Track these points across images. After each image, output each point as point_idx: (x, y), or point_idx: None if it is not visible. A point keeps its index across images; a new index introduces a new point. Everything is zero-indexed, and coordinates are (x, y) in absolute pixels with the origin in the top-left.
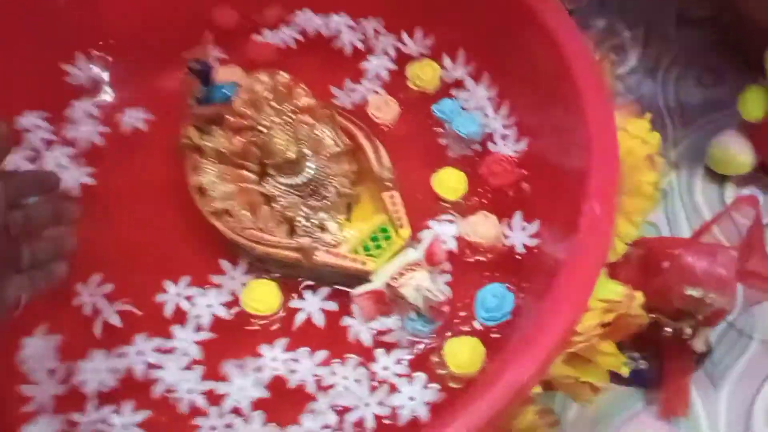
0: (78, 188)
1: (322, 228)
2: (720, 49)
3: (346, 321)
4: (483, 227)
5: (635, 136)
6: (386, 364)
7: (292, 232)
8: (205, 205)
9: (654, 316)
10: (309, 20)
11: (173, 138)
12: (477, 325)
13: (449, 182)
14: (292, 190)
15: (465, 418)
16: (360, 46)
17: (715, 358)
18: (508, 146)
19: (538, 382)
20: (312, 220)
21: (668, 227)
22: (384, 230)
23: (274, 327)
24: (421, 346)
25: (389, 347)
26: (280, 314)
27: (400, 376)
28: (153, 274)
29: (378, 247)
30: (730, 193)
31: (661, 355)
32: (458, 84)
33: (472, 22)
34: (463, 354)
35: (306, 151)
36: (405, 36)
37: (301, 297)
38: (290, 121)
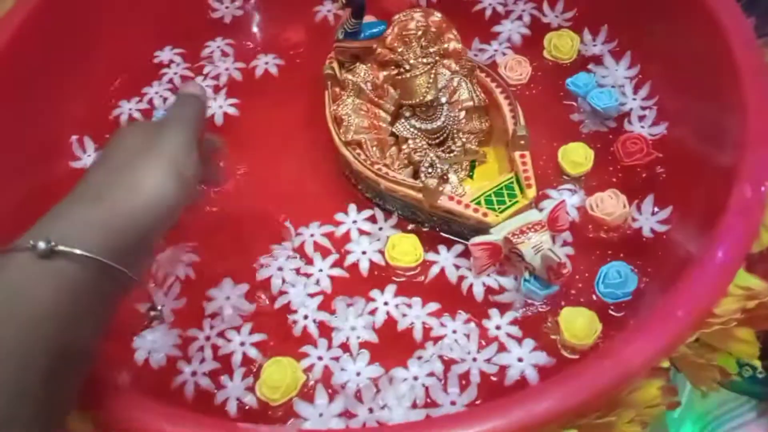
0: (222, 117)
1: (444, 179)
2: None
3: (466, 275)
4: (610, 205)
5: None
6: (499, 323)
7: (415, 176)
8: (340, 134)
9: None
10: None
11: (313, 74)
12: (594, 298)
13: (575, 157)
14: (422, 135)
15: (587, 378)
16: (500, 9)
17: None
18: (645, 128)
19: (667, 356)
20: (437, 168)
21: None
22: (509, 188)
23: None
24: (536, 310)
25: (503, 308)
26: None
27: (511, 336)
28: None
29: (501, 202)
30: None
31: None
32: (596, 59)
33: None
34: (578, 324)
35: (443, 98)
36: (545, 5)
37: (436, 251)
38: (433, 63)
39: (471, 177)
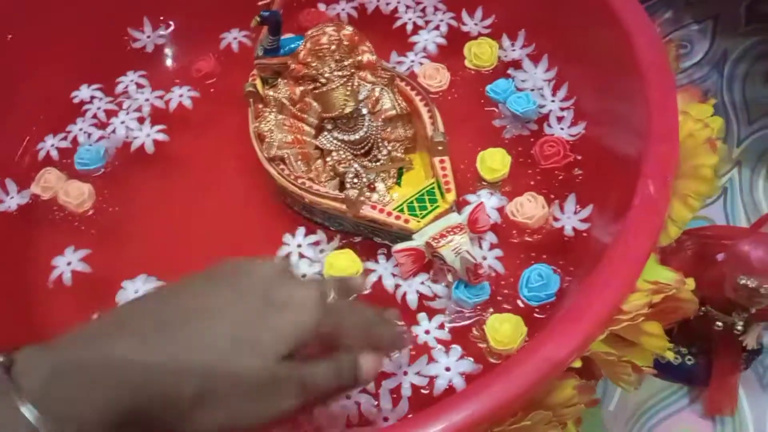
0: (152, 146)
1: (371, 188)
2: None
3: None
4: (530, 208)
5: (697, 119)
6: (428, 327)
7: (341, 187)
8: (263, 151)
9: (704, 309)
10: None
11: (230, 100)
12: (520, 303)
13: (491, 163)
14: (346, 146)
15: (499, 387)
16: (420, 23)
17: (766, 361)
18: (563, 128)
19: (577, 356)
20: (362, 178)
21: (726, 224)
22: (431, 193)
23: None
24: (465, 321)
25: (432, 312)
26: None
27: (439, 341)
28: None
29: (423, 208)
30: None
31: (710, 352)
32: (516, 64)
33: (533, 2)
34: (503, 330)
35: (363, 109)
36: (464, 14)
37: (376, 261)
38: (348, 75)
39: (399, 184)
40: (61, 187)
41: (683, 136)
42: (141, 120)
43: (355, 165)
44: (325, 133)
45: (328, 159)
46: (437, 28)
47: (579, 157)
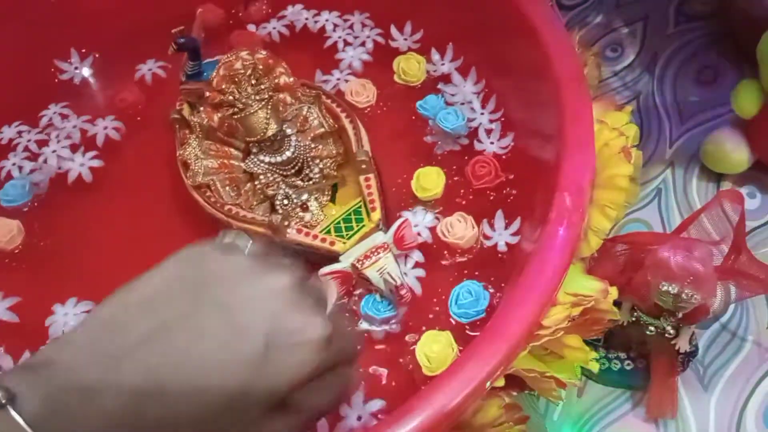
0: (89, 174)
1: (304, 208)
2: (719, 45)
3: None
4: (460, 229)
5: (612, 128)
6: None
7: (273, 210)
8: (188, 179)
9: (637, 314)
10: (297, 14)
11: (156, 130)
12: (453, 321)
13: (425, 183)
14: (273, 169)
15: (421, 411)
16: (351, 40)
17: (706, 360)
18: (493, 142)
19: (500, 375)
20: (293, 199)
21: (662, 226)
22: (357, 212)
23: None
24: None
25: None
26: None
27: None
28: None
29: (349, 228)
30: None
31: (648, 356)
32: (445, 78)
33: (460, 16)
34: (433, 348)
35: (288, 130)
36: (393, 29)
37: None
38: (267, 98)
39: (333, 201)
40: None
41: (599, 145)
42: (74, 148)
43: (284, 187)
44: (252, 156)
45: (256, 182)
46: (363, 44)
47: (511, 177)
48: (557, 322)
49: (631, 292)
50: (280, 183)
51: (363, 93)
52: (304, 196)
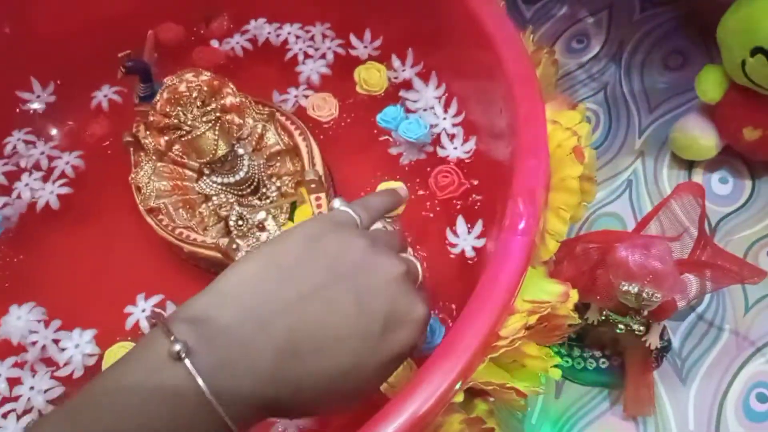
0: (56, 202)
1: (261, 227)
2: (685, 30)
3: None
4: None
5: (566, 128)
6: None
7: (228, 231)
8: (141, 202)
9: (606, 313)
10: (259, 28)
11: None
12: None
13: None
14: (227, 189)
15: (380, 430)
16: (311, 52)
17: (683, 353)
18: (457, 147)
19: (459, 390)
20: (248, 220)
21: (634, 218)
22: None
23: None
24: None
25: None
26: None
27: None
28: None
29: None
30: (698, 179)
31: (623, 354)
32: (407, 84)
33: (417, 22)
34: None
35: (240, 150)
36: (353, 38)
37: None
38: (214, 119)
39: (292, 219)
40: None
41: (553, 147)
42: (45, 178)
43: (237, 208)
44: (204, 177)
45: (210, 203)
46: (323, 56)
47: (475, 182)
48: (514, 332)
49: (597, 291)
50: (234, 204)
51: (324, 107)
52: (261, 215)
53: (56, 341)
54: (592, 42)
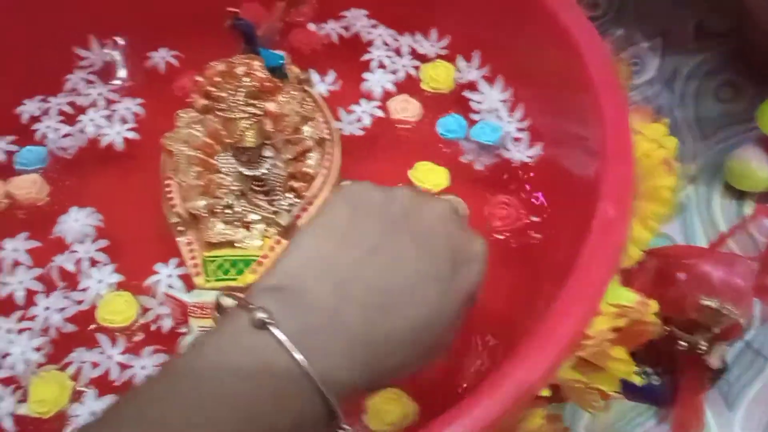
0: (122, 143)
1: (246, 226)
2: (739, 62)
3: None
4: None
5: (652, 139)
6: None
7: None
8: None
9: (668, 328)
10: (356, 19)
11: None
12: None
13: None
14: (241, 177)
15: (467, 418)
16: (386, 62)
17: (730, 378)
18: (521, 150)
19: (546, 384)
20: (238, 212)
21: (684, 242)
22: (246, 263)
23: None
24: None
25: None
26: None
27: None
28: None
29: (226, 272)
30: (749, 209)
31: (676, 371)
32: (471, 86)
33: (487, 22)
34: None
35: (267, 152)
36: (420, 36)
37: None
38: (251, 114)
39: (280, 241)
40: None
41: (639, 156)
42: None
43: (232, 197)
44: (227, 154)
45: (216, 176)
46: (395, 72)
47: (536, 219)
48: (601, 333)
49: (665, 305)
50: (234, 191)
51: (408, 108)
52: (254, 217)
53: (92, 261)
54: (647, 66)
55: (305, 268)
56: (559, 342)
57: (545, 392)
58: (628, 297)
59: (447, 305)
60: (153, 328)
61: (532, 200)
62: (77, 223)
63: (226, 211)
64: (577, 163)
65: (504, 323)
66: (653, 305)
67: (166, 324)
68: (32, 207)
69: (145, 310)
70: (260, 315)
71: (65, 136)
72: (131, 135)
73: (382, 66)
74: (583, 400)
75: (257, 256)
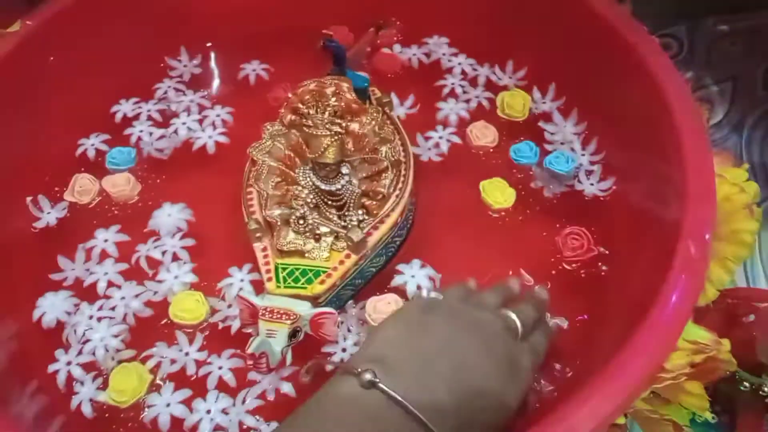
0: (213, 146)
1: (317, 238)
2: None
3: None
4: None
5: (733, 183)
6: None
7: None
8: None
9: (732, 369)
10: (437, 45)
11: None
12: None
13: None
14: (316, 191)
15: None
16: (458, 91)
17: None
18: (593, 183)
19: (622, 413)
20: (309, 224)
21: (747, 284)
22: (317, 274)
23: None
24: None
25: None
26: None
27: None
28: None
29: (296, 280)
30: None
31: (734, 411)
32: (546, 116)
33: (566, 57)
34: None
35: (344, 169)
36: (497, 69)
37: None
38: (335, 132)
39: (348, 256)
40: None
41: (719, 198)
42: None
43: (306, 209)
44: (306, 167)
45: (294, 188)
46: (468, 101)
47: (606, 252)
48: (679, 367)
49: (732, 346)
50: (309, 203)
51: (488, 134)
52: (324, 229)
53: (174, 257)
54: (716, 109)
55: (394, 347)
56: (638, 373)
57: (621, 420)
58: (701, 335)
59: (506, 400)
60: (221, 327)
61: (603, 233)
62: (170, 217)
63: (299, 221)
64: (651, 200)
65: (572, 351)
66: (726, 344)
67: (234, 325)
68: (124, 204)
69: (214, 311)
70: (368, 376)
71: (160, 138)
72: (222, 139)
73: (454, 95)
74: (654, 430)
75: (327, 268)
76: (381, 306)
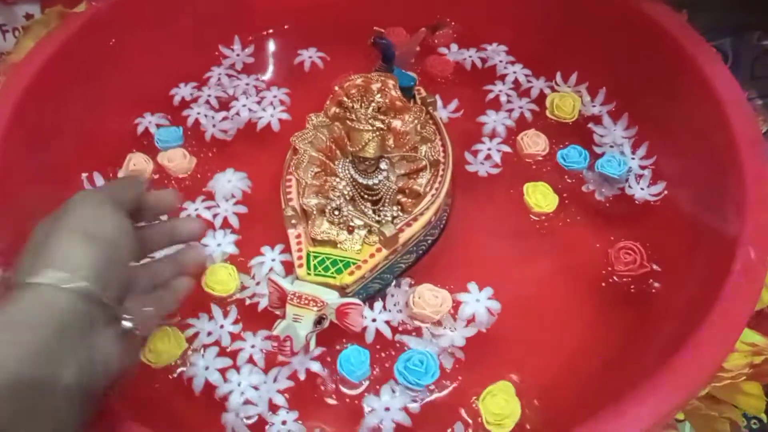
0: (277, 124)
1: (350, 230)
2: None
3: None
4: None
5: None
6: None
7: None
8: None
9: None
10: (495, 52)
11: None
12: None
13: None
14: (354, 183)
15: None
16: (502, 98)
17: None
18: (644, 188)
19: (681, 410)
20: (344, 216)
21: None
22: (346, 264)
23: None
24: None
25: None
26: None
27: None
28: None
29: (326, 269)
30: None
31: None
32: (595, 119)
33: (620, 61)
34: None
35: (383, 164)
36: (551, 78)
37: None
38: (377, 128)
39: (380, 250)
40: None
41: None
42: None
43: (341, 201)
44: (345, 160)
45: (332, 179)
46: (510, 111)
47: (657, 268)
48: (739, 368)
49: None
50: (345, 195)
51: (540, 143)
52: (358, 222)
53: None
54: (760, 122)
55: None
56: (699, 371)
57: (680, 416)
58: (755, 338)
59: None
60: (248, 303)
61: (654, 242)
62: (230, 183)
63: (335, 212)
64: (703, 205)
65: (620, 361)
66: None
67: (261, 303)
68: (179, 179)
69: (243, 288)
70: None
71: (223, 119)
72: (285, 116)
73: (498, 103)
74: (709, 429)
75: (358, 260)
76: (428, 296)
